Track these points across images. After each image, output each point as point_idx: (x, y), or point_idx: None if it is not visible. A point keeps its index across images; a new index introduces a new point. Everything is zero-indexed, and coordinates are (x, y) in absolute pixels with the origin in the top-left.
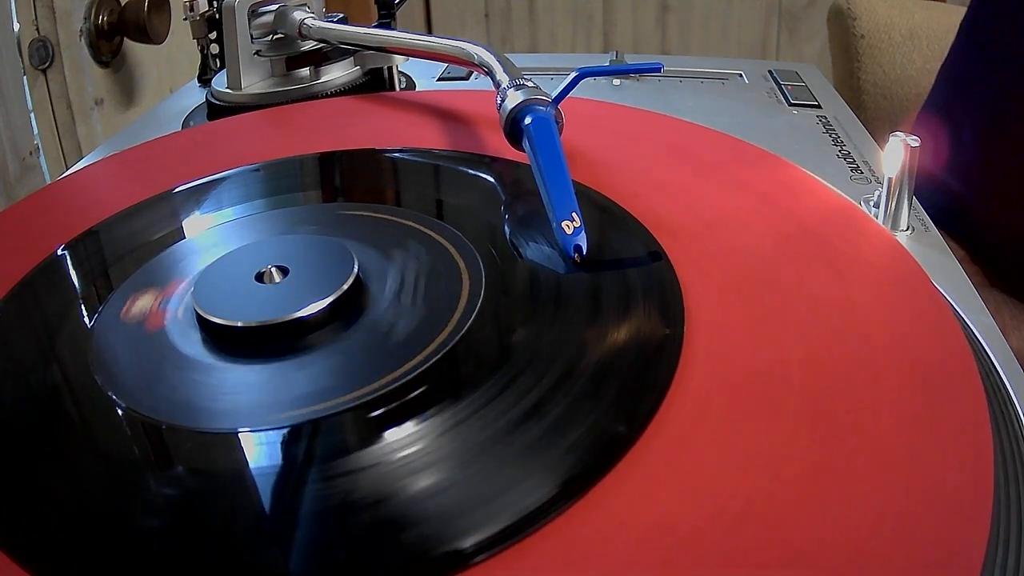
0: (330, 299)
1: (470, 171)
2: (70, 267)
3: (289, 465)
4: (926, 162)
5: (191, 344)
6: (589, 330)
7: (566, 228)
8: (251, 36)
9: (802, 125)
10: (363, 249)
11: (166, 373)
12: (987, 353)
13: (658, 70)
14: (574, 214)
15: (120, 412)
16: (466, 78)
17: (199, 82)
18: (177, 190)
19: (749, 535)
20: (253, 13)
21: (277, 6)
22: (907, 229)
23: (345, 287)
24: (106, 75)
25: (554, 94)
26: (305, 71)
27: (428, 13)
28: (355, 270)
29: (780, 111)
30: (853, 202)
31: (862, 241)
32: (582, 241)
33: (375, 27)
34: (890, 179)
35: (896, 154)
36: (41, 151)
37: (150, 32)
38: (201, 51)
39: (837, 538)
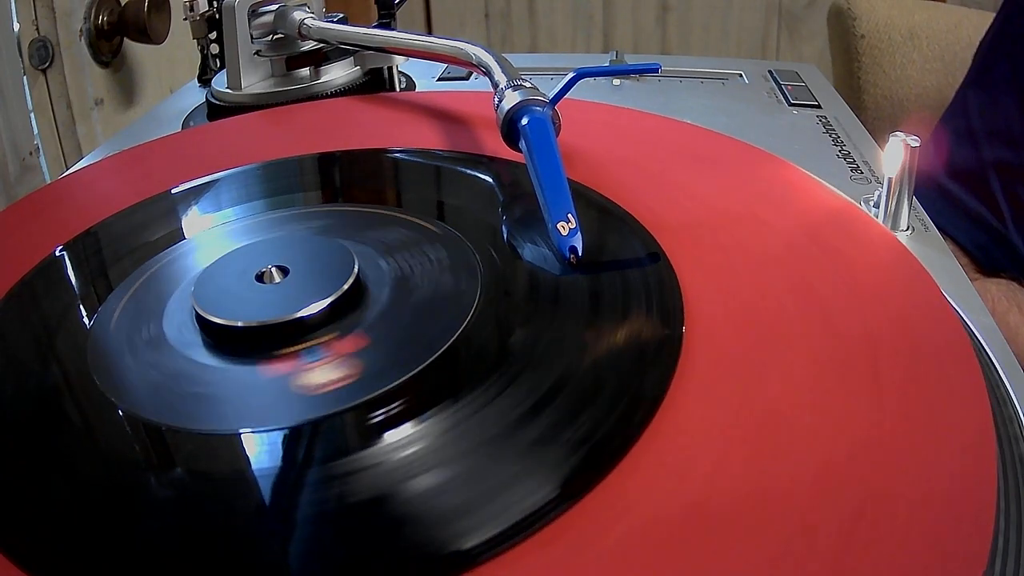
0: (330, 299)
1: (470, 171)
2: (70, 267)
3: (290, 466)
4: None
5: (191, 344)
6: (589, 330)
7: (561, 229)
8: (251, 36)
9: (802, 125)
10: (363, 249)
11: (166, 373)
12: (987, 353)
13: (656, 70)
14: (570, 215)
15: (119, 413)
16: (466, 78)
17: (199, 82)
18: (177, 190)
19: (748, 535)
20: (253, 13)
21: (277, 6)
22: (907, 229)
23: (345, 287)
24: (106, 75)
25: (551, 95)
26: (305, 71)
27: (428, 13)
28: (355, 270)
29: (780, 111)
30: (853, 202)
31: (863, 241)
32: (578, 243)
33: (375, 27)
34: (890, 179)
35: (896, 154)
36: (41, 151)
37: (150, 32)
38: (201, 51)
39: (837, 539)
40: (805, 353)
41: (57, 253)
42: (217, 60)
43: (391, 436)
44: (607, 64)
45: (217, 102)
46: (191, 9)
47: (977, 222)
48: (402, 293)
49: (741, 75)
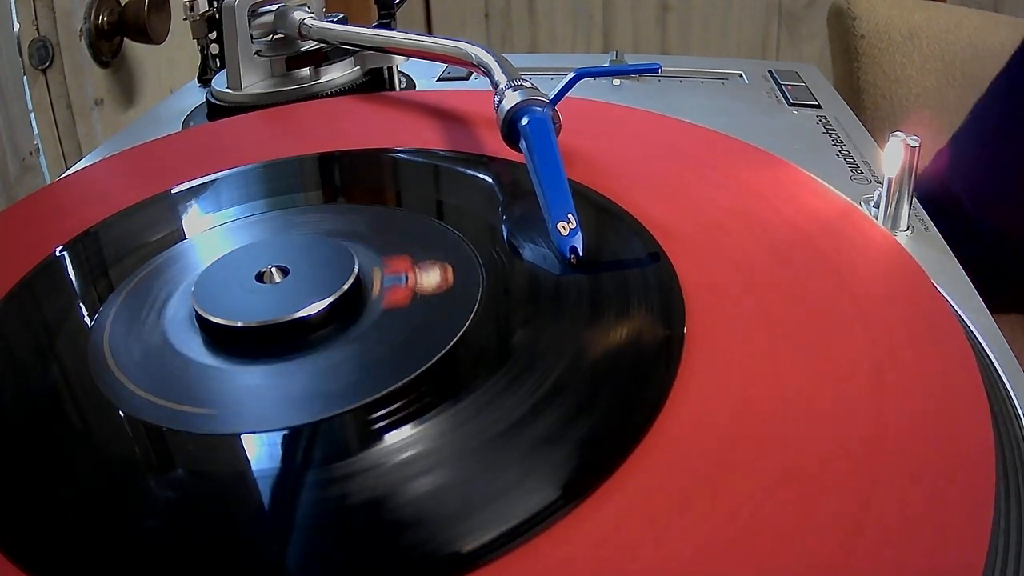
0: (330, 299)
1: (470, 171)
2: (70, 267)
3: (290, 467)
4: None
5: (191, 344)
6: (590, 331)
7: (562, 230)
8: (251, 36)
9: (802, 125)
10: (363, 249)
11: (166, 374)
12: (987, 353)
13: (655, 70)
14: (570, 215)
15: (119, 413)
16: (466, 78)
17: (199, 82)
18: (177, 190)
19: (749, 535)
20: (253, 13)
21: (277, 6)
22: (907, 229)
23: (345, 287)
24: (106, 75)
25: (552, 95)
26: (305, 71)
27: (428, 13)
28: (355, 270)
29: (780, 111)
30: (853, 202)
31: (862, 242)
32: (578, 243)
33: (375, 27)
34: (890, 179)
35: (896, 154)
36: (41, 151)
37: (150, 32)
38: (201, 51)
39: (835, 540)
40: (805, 353)
41: (57, 253)
42: (217, 60)
43: (392, 438)
44: (607, 64)
45: (217, 102)
46: (191, 9)
47: (994, 249)
48: (402, 293)
49: (741, 75)
